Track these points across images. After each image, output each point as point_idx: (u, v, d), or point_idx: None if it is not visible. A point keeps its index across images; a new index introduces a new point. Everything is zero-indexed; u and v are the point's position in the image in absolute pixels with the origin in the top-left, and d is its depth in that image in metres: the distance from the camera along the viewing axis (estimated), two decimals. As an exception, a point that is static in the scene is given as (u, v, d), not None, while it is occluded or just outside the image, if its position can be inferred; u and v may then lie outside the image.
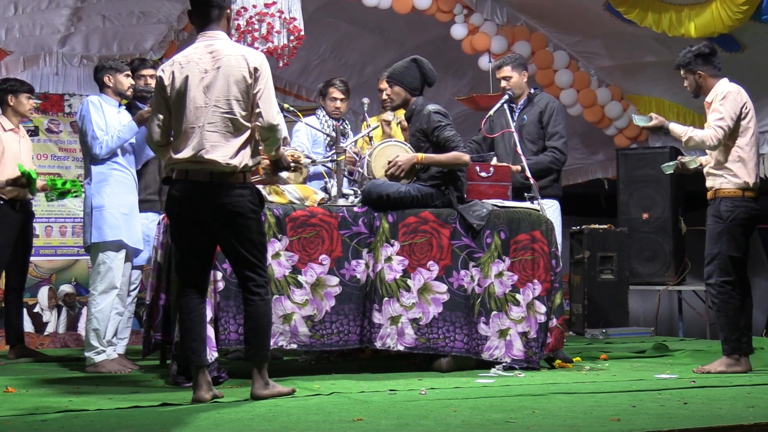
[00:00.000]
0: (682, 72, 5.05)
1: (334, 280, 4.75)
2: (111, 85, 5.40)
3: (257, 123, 3.90)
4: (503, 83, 5.83)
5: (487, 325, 4.93)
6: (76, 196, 5.80)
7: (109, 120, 5.28)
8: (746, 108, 4.90)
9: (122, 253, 5.26)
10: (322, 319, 4.71)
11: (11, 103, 6.05)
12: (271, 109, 3.91)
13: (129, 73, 5.48)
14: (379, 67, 8.25)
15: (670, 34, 6.56)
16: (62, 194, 5.69)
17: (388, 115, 5.98)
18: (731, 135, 4.88)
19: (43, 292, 7.74)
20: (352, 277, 4.79)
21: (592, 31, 7.73)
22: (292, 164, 4.71)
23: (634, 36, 7.34)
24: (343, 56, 9.30)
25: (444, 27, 8.21)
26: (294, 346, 4.70)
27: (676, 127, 5.01)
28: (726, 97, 4.85)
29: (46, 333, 7.68)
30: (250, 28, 6.28)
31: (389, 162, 4.97)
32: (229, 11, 4.04)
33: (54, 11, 7.64)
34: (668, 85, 7.65)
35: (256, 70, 3.89)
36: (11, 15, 7.47)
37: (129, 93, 5.44)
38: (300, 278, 4.70)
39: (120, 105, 5.44)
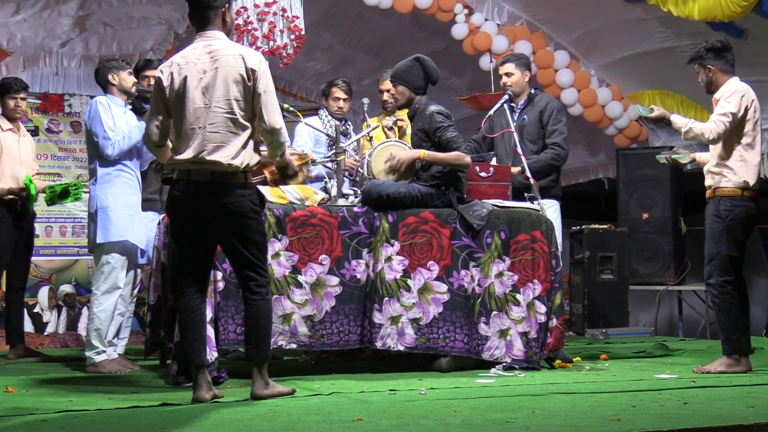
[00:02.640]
0: (695, 66, 5.04)
1: (335, 280, 4.75)
2: (116, 83, 5.39)
3: (259, 127, 3.91)
4: (504, 79, 5.83)
5: (488, 325, 4.93)
6: (76, 199, 5.81)
7: (117, 120, 5.28)
8: (753, 108, 4.89)
9: (126, 254, 5.27)
10: (322, 319, 4.71)
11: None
12: (273, 113, 3.91)
13: (131, 71, 5.47)
14: (376, 78, 8.27)
15: (675, 12, 6.54)
16: (61, 196, 5.70)
17: (387, 121, 5.97)
18: (736, 134, 4.88)
19: (43, 293, 7.74)
20: (353, 277, 4.79)
21: (595, 22, 7.73)
22: (297, 166, 4.70)
23: (638, 22, 7.34)
24: (339, 71, 9.30)
25: (441, 40, 8.23)
26: (294, 346, 4.70)
27: (677, 119, 5.01)
28: (733, 95, 4.84)
29: (46, 333, 7.68)
30: (250, 28, 6.28)
31: (391, 158, 4.96)
32: (224, 10, 4.02)
33: (56, 20, 7.65)
34: (672, 74, 7.65)
35: (253, 71, 3.88)
36: (13, 23, 7.48)
37: (133, 90, 5.44)
38: (300, 278, 4.70)
39: (126, 104, 5.44)
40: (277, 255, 4.66)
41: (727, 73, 4.96)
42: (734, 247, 4.88)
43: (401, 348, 4.81)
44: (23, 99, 6.13)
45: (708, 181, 5.01)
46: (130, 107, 5.48)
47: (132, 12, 7.94)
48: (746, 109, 4.86)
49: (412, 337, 4.82)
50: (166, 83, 3.90)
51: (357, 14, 8.24)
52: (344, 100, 6.16)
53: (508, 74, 5.82)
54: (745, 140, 4.89)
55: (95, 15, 7.77)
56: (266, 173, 4.55)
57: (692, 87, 7.65)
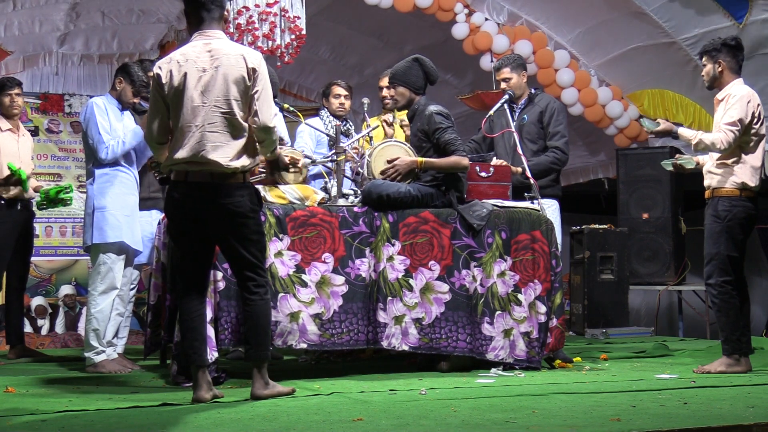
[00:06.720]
0: (703, 59, 5.03)
1: (340, 279, 4.74)
2: (118, 89, 5.38)
3: (253, 125, 3.90)
4: (503, 84, 5.83)
5: (492, 325, 4.92)
6: (67, 205, 5.79)
7: (114, 122, 5.26)
8: (759, 113, 4.89)
9: (123, 255, 5.26)
10: (330, 317, 4.69)
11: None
12: (267, 111, 3.90)
13: (138, 92, 5.41)
14: (378, 68, 8.26)
15: None
16: (53, 202, 5.69)
17: (388, 116, 5.98)
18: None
19: (35, 303, 7.69)
20: (358, 276, 4.77)
21: (595, 18, 7.73)
22: (291, 167, 4.70)
23: (637, 16, 7.35)
24: (342, 57, 9.31)
25: (442, 31, 8.22)
26: (304, 345, 4.66)
27: (685, 132, 5.01)
28: (739, 100, 4.83)
29: (44, 333, 7.67)
30: (250, 27, 6.28)
31: (389, 161, 4.96)
32: (226, 12, 4.03)
33: (53, 6, 7.64)
34: (671, 70, 7.67)
35: (254, 70, 3.88)
36: (10, 11, 7.46)
37: (129, 106, 5.42)
38: (304, 277, 4.68)
39: (123, 109, 5.42)
40: (279, 254, 4.66)
41: (735, 73, 4.96)
42: (733, 247, 4.88)
43: (405, 348, 4.81)
44: (18, 95, 6.10)
45: (707, 182, 5.01)
46: (129, 109, 5.47)
47: (131, 5, 7.93)
48: (752, 115, 4.85)
49: (415, 336, 4.81)
50: (165, 80, 3.89)
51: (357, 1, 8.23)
52: (345, 96, 6.21)
53: (505, 79, 5.82)
54: (746, 142, 4.88)
55: (93, 3, 7.75)
56: (257, 171, 4.56)
57: (691, 84, 7.70)
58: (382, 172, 4.97)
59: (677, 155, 5.52)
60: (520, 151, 5.44)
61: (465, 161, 4.97)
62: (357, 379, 4.60)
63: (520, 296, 4.99)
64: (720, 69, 4.95)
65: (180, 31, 8.11)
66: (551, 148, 5.71)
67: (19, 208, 5.98)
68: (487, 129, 5.69)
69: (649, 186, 8.16)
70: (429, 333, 4.83)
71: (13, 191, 5.89)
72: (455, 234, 4.92)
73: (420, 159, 4.96)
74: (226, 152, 3.83)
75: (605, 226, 8.09)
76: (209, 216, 3.86)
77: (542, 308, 5.01)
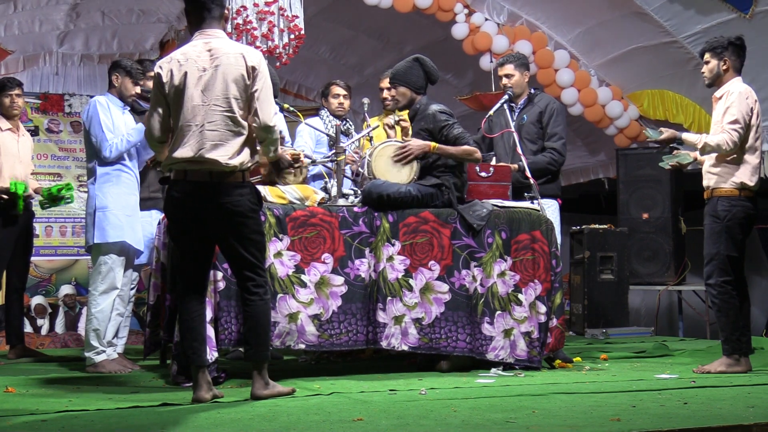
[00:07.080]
0: (707, 55, 5.02)
1: (339, 279, 4.74)
2: (116, 86, 5.38)
3: (253, 124, 3.90)
4: (504, 81, 5.83)
5: (492, 325, 4.92)
6: (68, 203, 5.79)
7: (116, 120, 5.27)
8: (756, 110, 4.90)
9: (124, 255, 5.26)
10: (329, 318, 4.69)
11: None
12: (268, 110, 3.90)
13: (137, 81, 5.42)
14: (378, 68, 8.26)
15: None
16: (55, 200, 5.69)
17: (389, 120, 5.97)
18: None
19: (35, 302, 7.69)
20: (357, 276, 4.78)
21: (594, 18, 7.74)
22: (295, 164, 4.70)
23: (637, 16, 7.36)
24: (342, 57, 9.31)
25: (442, 30, 8.22)
26: (302, 346, 4.66)
27: (689, 136, 5.00)
28: (738, 98, 4.83)
29: (43, 333, 7.67)
30: (249, 27, 6.28)
31: (401, 145, 4.95)
32: (227, 11, 4.04)
33: (53, 6, 7.64)
34: (672, 70, 7.66)
35: (254, 69, 3.88)
36: (11, 12, 7.47)
37: (130, 100, 5.42)
38: (303, 277, 4.69)
39: (125, 107, 5.42)
40: (279, 254, 4.66)
41: (736, 72, 4.97)
42: (733, 247, 4.88)
43: (405, 348, 4.81)
44: (18, 95, 6.10)
45: (706, 182, 5.01)
46: (129, 108, 5.47)
47: (131, 5, 7.93)
48: (751, 111, 4.86)
49: (415, 336, 4.81)
50: (165, 79, 3.89)
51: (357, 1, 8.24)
52: (344, 96, 6.22)
53: (508, 76, 5.82)
54: (744, 140, 4.88)
55: (93, 3, 7.75)
56: (261, 171, 4.55)
57: (691, 84, 7.70)
58: (395, 152, 4.94)
59: (675, 151, 5.52)
60: (519, 151, 5.44)
61: (478, 153, 4.98)
62: (357, 379, 4.60)
63: (520, 296, 4.99)
64: (725, 67, 4.95)
65: (180, 31, 8.10)
66: (548, 149, 5.71)
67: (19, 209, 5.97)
68: (486, 129, 5.69)
69: (649, 186, 8.16)
70: (429, 333, 4.83)
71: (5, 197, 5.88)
72: (455, 234, 4.92)
73: (433, 144, 4.95)
74: (225, 150, 3.83)
75: (605, 226, 8.09)
76: (208, 215, 3.86)
77: (542, 308, 5.01)
